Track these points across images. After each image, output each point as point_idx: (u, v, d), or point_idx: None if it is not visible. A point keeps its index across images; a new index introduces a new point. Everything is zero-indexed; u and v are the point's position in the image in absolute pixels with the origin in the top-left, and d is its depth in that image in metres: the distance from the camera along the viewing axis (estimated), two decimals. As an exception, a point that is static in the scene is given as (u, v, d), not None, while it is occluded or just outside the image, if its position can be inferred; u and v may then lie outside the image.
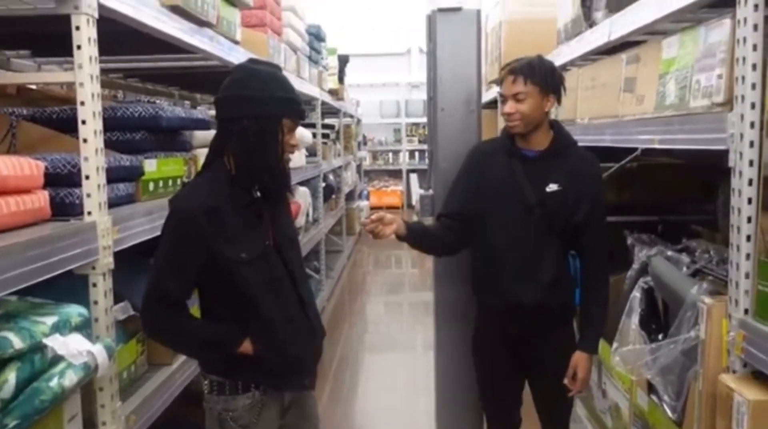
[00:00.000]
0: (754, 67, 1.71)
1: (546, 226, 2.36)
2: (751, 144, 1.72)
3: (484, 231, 2.44)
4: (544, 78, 2.33)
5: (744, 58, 1.73)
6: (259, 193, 1.91)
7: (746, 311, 1.78)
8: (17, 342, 1.44)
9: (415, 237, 2.45)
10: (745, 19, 1.72)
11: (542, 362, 2.49)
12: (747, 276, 1.76)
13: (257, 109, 1.82)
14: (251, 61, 2.00)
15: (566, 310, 2.49)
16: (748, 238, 1.75)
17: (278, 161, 1.87)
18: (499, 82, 2.40)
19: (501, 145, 2.47)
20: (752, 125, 1.72)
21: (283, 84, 1.90)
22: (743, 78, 1.74)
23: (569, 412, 2.65)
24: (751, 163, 1.73)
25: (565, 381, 2.44)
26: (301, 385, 2.02)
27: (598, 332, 2.50)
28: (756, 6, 1.70)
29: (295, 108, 1.91)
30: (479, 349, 2.61)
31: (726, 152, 1.82)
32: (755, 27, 1.71)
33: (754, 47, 1.71)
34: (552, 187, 2.35)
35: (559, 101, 2.41)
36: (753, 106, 1.71)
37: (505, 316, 2.46)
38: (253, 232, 1.89)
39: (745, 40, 1.73)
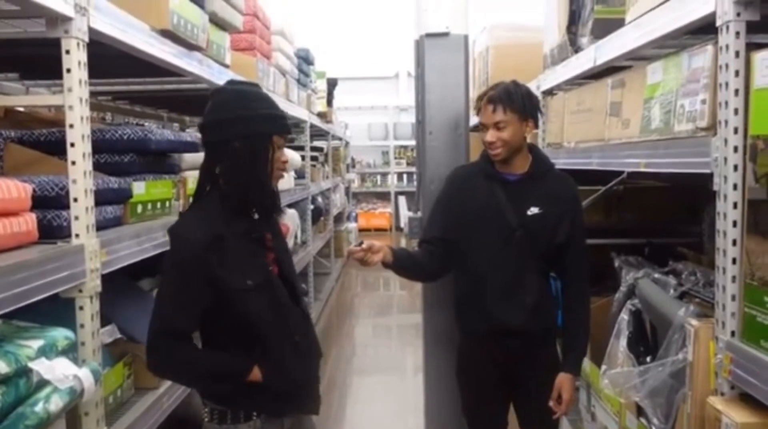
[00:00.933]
0: (736, 92, 1.74)
1: (527, 249, 2.38)
2: (735, 168, 1.74)
3: (466, 255, 2.44)
4: (523, 104, 2.35)
5: (727, 84, 1.76)
6: (257, 216, 1.90)
7: (733, 333, 1.79)
8: (2, 366, 1.42)
9: (400, 264, 2.46)
10: (727, 46, 1.75)
11: (527, 384, 2.50)
12: (733, 298, 1.78)
13: (246, 129, 1.80)
14: (230, 82, 1.99)
15: (549, 332, 2.51)
16: (734, 260, 1.77)
17: (268, 179, 1.86)
18: (477, 110, 2.41)
19: (481, 169, 2.48)
20: (735, 149, 1.74)
21: (267, 101, 1.90)
22: (726, 103, 1.76)
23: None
24: (735, 187, 1.75)
25: (551, 403, 2.44)
26: (308, 409, 2.00)
27: (580, 353, 2.53)
28: (737, 33, 1.73)
29: (283, 123, 1.90)
30: (464, 371, 2.61)
31: (711, 176, 1.84)
32: (737, 54, 1.74)
33: (737, 73, 1.74)
34: (533, 211, 2.38)
35: (536, 125, 2.44)
36: (736, 130, 1.74)
37: (489, 340, 2.47)
38: (256, 258, 1.87)
39: (727, 66, 1.76)
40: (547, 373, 2.47)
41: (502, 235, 2.36)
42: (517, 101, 2.33)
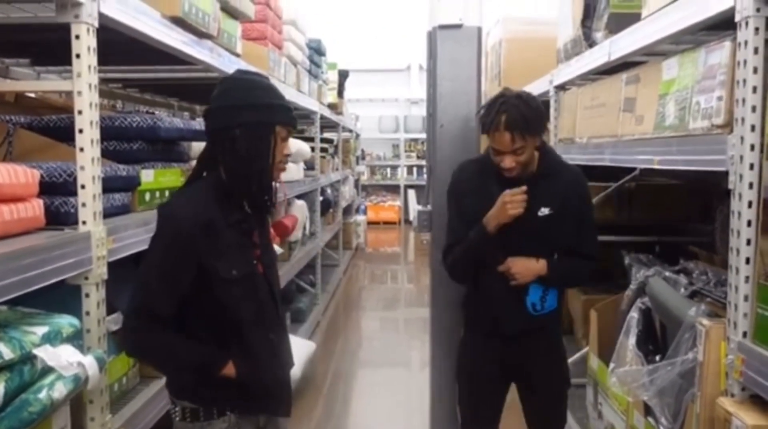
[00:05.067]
0: (754, 89, 1.71)
1: (538, 250, 2.35)
2: (751, 166, 1.72)
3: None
4: (539, 126, 2.26)
5: (744, 81, 1.73)
6: (249, 209, 1.87)
7: (745, 334, 1.76)
8: (7, 352, 1.42)
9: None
10: (746, 42, 1.72)
11: (530, 379, 2.49)
12: (746, 298, 1.75)
13: (249, 117, 1.77)
14: (240, 71, 1.97)
15: (554, 329, 2.50)
16: (747, 260, 1.75)
17: (269, 171, 1.82)
18: (486, 131, 2.25)
19: (489, 168, 2.37)
20: (752, 147, 1.71)
21: (274, 92, 1.87)
22: (743, 100, 1.74)
23: (563, 426, 2.63)
24: (750, 186, 1.72)
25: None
26: (278, 411, 1.95)
27: (561, 268, 2.40)
28: (756, 29, 1.70)
29: (288, 115, 1.86)
30: (464, 366, 2.59)
31: (725, 174, 1.82)
32: (756, 50, 1.71)
33: (755, 70, 1.71)
34: (544, 211, 2.32)
35: (543, 136, 2.38)
36: (753, 128, 1.71)
37: (494, 339, 2.46)
38: (243, 251, 1.83)
39: (745, 62, 1.73)
40: (551, 362, 2.49)
41: (513, 236, 2.33)
42: (534, 126, 2.22)
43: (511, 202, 2.23)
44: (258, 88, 1.83)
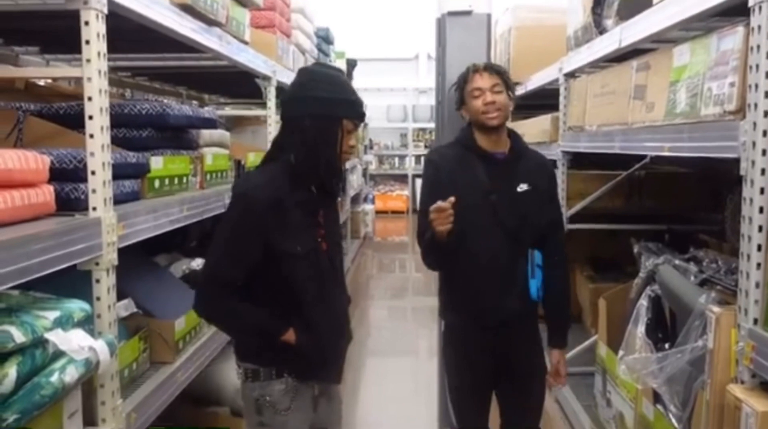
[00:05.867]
0: (767, 74, 1.69)
1: (520, 228, 2.34)
2: (764, 152, 1.71)
3: (458, 238, 2.37)
4: (508, 77, 2.42)
5: (757, 66, 1.72)
6: (315, 191, 1.99)
7: (755, 321, 1.76)
8: (19, 336, 1.43)
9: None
10: (759, 27, 1.71)
11: (512, 372, 2.44)
12: (757, 285, 1.75)
13: (319, 109, 1.91)
14: (316, 64, 2.14)
15: (534, 313, 2.47)
16: (759, 247, 1.74)
17: (335, 159, 1.95)
18: (462, 83, 2.42)
19: (465, 148, 2.42)
20: (765, 133, 1.70)
21: (345, 87, 2.00)
22: (756, 86, 1.72)
23: (539, 416, 2.56)
24: (762, 172, 1.71)
25: (549, 378, 2.47)
26: (330, 378, 2.09)
27: (567, 326, 2.55)
28: (771, 13, 1.69)
29: (356, 110, 1.99)
30: (452, 356, 2.51)
31: (737, 161, 1.80)
32: (769, 34, 1.69)
33: (768, 55, 1.69)
34: (522, 187, 2.37)
35: (513, 102, 2.44)
36: (766, 114, 1.70)
37: (479, 325, 2.40)
38: (308, 229, 1.97)
39: (758, 47, 1.71)
40: (532, 358, 2.46)
41: (496, 214, 2.32)
42: (505, 73, 2.42)
43: (437, 218, 2.20)
44: (330, 82, 1.97)
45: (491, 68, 2.41)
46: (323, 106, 1.92)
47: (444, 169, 2.42)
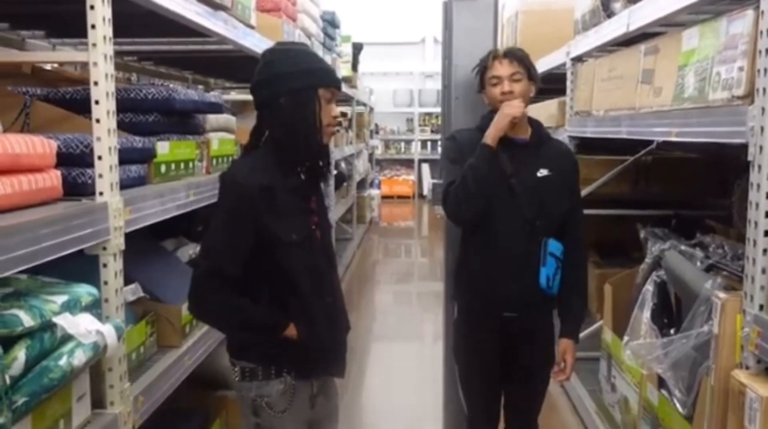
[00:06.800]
0: (777, 59, 1.68)
1: (540, 214, 2.33)
2: (772, 137, 1.69)
3: (477, 223, 2.38)
4: (530, 64, 2.40)
5: (767, 50, 1.70)
6: (303, 176, 1.92)
7: (761, 307, 1.75)
8: (27, 320, 1.44)
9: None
10: (769, 10, 1.69)
11: (523, 363, 2.44)
12: (763, 271, 1.74)
13: (290, 84, 1.82)
14: (277, 43, 2.03)
15: (551, 303, 2.47)
16: (766, 233, 1.73)
17: (315, 134, 1.86)
18: (483, 68, 2.42)
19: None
20: (773, 118, 1.69)
21: (312, 56, 1.92)
22: (765, 70, 1.71)
23: (540, 407, 2.57)
24: (770, 157, 1.70)
25: (555, 369, 2.45)
26: (334, 372, 2.04)
27: (580, 318, 2.52)
28: (781, -3, 1.67)
29: (330, 77, 1.90)
30: (464, 348, 2.53)
31: (745, 146, 1.80)
32: (779, 18, 1.68)
33: (778, 39, 1.68)
34: (543, 172, 2.36)
35: (536, 91, 2.44)
36: (774, 99, 1.68)
37: (494, 315, 2.40)
38: (301, 215, 1.91)
39: (768, 31, 1.70)
40: (541, 348, 2.46)
41: (514, 198, 2.32)
42: (527, 59, 2.39)
43: (509, 104, 2.28)
44: (295, 55, 1.88)
45: (512, 55, 2.38)
46: (295, 79, 1.82)
47: (463, 150, 2.41)
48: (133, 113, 2.35)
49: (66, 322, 1.52)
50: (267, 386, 1.90)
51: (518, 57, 2.37)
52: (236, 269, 1.83)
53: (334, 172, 6.69)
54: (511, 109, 2.28)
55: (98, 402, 1.82)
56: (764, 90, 1.71)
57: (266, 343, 1.90)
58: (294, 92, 1.83)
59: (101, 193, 1.81)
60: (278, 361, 1.90)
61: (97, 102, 1.79)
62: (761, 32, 1.73)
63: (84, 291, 1.67)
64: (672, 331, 2.46)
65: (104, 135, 1.80)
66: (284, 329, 1.87)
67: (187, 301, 1.91)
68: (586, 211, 3.61)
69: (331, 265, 2.01)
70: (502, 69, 2.35)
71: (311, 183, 1.96)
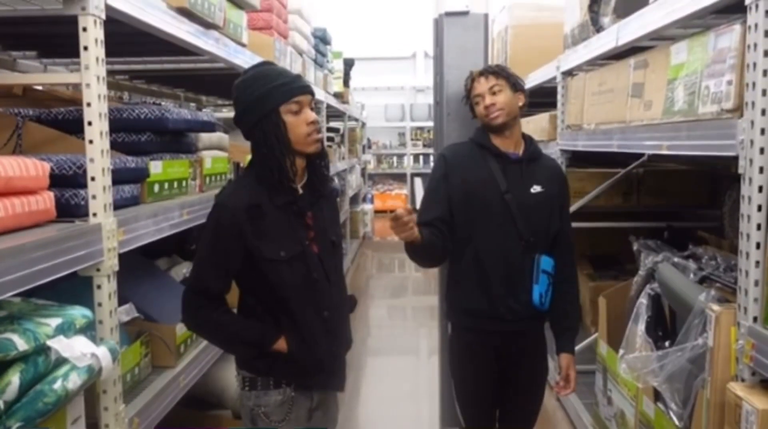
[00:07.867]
0: (765, 73, 1.70)
1: (532, 229, 2.34)
2: (762, 150, 1.71)
3: (468, 237, 2.38)
4: (509, 74, 2.44)
5: (754, 64, 1.72)
6: (302, 190, 1.95)
7: (755, 319, 1.76)
8: (21, 344, 1.43)
9: (424, 244, 2.27)
10: (756, 25, 1.71)
11: (516, 376, 2.45)
12: (756, 284, 1.75)
13: (253, 116, 1.87)
14: (243, 73, 2.00)
15: (542, 317, 2.47)
16: (758, 245, 1.74)
17: (290, 150, 1.87)
18: (468, 91, 2.48)
19: (480, 146, 2.44)
20: (762, 132, 1.71)
21: (266, 77, 1.90)
22: (753, 84, 1.73)
23: (535, 419, 2.56)
24: (761, 170, 1.72)
25: (559, 382, 2.46)
26: (332, 385, 2.05)
27: (574, 332, 2.54)
28: (767, 12, 1.69)
29: (286, 91, 1.87)
30: (460, 362, 2.52)
31: (735, 159, 1.81)
32: (766, 33, 1.70)
33: (765, 53, 1.70)
34: (536, 189, 2.39)
35: (526, 100, 2.45)
36: (763, 112, 1.70)
37: (488, 329, 2.40)
38: (293, 232, 1.92)
39: (755, 45, 1.72)
40: (535, 363, 2.47)
41: (508, 213, 2.33)
42: (504, 71, 2.44)
43: (395, 227, 2.13)
44: (253, 82, 1.90)
45: (487, 72, 2.44)
46: (253, 111, 1.87)
47: (454, 166, 2.43)
48: (126, 133, 2.35)
49: (60, 345, 1.51)
50: (265, 396, 1.93)
51: (494, 71, 2.43)
52: (222, 286, 1.92)
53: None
54: (401, 234, 2.15)
55: (93, 425, 1.81)
56: (753, 104, 1.72)
57: (260, 354, 1.92)
58: (258, 122, 1.87)
59: (95, 214, 1.81)
60: (276, 373, 1.93)
61: (90, 123, 1.79)
62: (749, 46, 1.75)
63: (78, 313, 1.66)
64: (667, 343, 2.46)
65: (97, 156, 1.80)
66: (273, 343, 1.90)
67: (182, 316, 1.98)
68: (579, 224, 3.62)
69: (331, 279, 1.99)
70: (481, 86, 2.42)
71: (311, 198, 1.97)
